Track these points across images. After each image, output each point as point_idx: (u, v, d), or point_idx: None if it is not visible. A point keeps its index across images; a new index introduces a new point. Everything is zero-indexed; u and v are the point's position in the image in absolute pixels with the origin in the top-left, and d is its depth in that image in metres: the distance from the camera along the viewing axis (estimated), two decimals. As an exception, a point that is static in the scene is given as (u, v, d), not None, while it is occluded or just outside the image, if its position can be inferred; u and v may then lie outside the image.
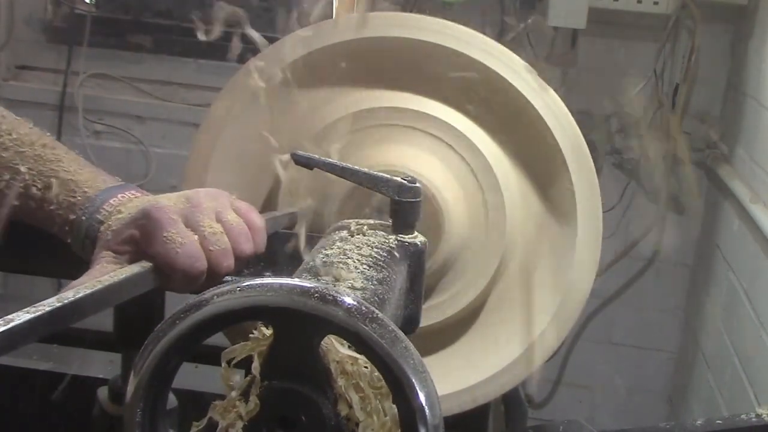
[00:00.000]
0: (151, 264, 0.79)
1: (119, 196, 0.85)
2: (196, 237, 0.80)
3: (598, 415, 2.78)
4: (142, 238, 0.80)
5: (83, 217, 0.84)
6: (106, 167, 0.92)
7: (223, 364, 0.66)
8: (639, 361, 2.75)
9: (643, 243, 2.61)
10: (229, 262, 0.82)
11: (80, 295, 0.68)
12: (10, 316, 0.60)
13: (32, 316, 0.61)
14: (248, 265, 0.87)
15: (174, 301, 0.72)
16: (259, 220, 0.87)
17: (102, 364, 1.33)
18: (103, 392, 1.05)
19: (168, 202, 0.82)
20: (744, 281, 2.08)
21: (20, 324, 0.60)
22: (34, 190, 0.85)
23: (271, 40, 1.18)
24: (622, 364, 2.76)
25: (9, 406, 1.28)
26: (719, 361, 2.22)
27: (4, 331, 0.58)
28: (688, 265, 2.67)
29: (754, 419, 1.04)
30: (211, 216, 0.82)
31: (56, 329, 0.64)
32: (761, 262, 1.94)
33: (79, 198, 0.85)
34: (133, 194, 0.86)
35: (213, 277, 0.81)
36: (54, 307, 0.64)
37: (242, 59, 1.19)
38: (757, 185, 2.04)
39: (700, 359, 2.44)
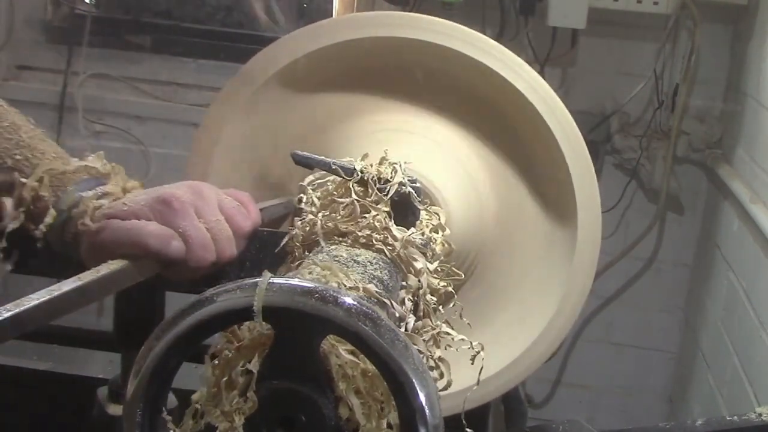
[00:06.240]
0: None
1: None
2: (205, 228, 0.83)
3: (598, 415, 2.78)
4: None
5: (70, 189, 0.87)
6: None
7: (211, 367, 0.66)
8: (639, 361, 2.75)
9: (643, 243, 2.61)
10: (232, 250, 0.85)
11: (81, 282, 0.69)
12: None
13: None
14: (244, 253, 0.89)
15: (174, 301, 0.72)
16: (245, 195, 0.91)
17: (102, 364, 1.33)
18: (103, 392, 1.05)
19: (180, 192, 0.84)
20: (744, 281, 2.08)
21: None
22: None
23: (271, 40, 1.18)
24: (622, 364, 2.76)
25: (9, 406, 1.28)
26: (719, 360, 2.22)
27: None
28: (688, 265, 2.67)
29: (754, 419, 1.04)
30: (214, 205, 0.85)
31: (65, 312, 0.66)
32: (761, 262, 1.94)
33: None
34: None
35: (217, 265, 0.84)
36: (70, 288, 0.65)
37: (242, 59, 1.19)
38: (757, 185, 2.04)
39: (700, 359, 2.44)
